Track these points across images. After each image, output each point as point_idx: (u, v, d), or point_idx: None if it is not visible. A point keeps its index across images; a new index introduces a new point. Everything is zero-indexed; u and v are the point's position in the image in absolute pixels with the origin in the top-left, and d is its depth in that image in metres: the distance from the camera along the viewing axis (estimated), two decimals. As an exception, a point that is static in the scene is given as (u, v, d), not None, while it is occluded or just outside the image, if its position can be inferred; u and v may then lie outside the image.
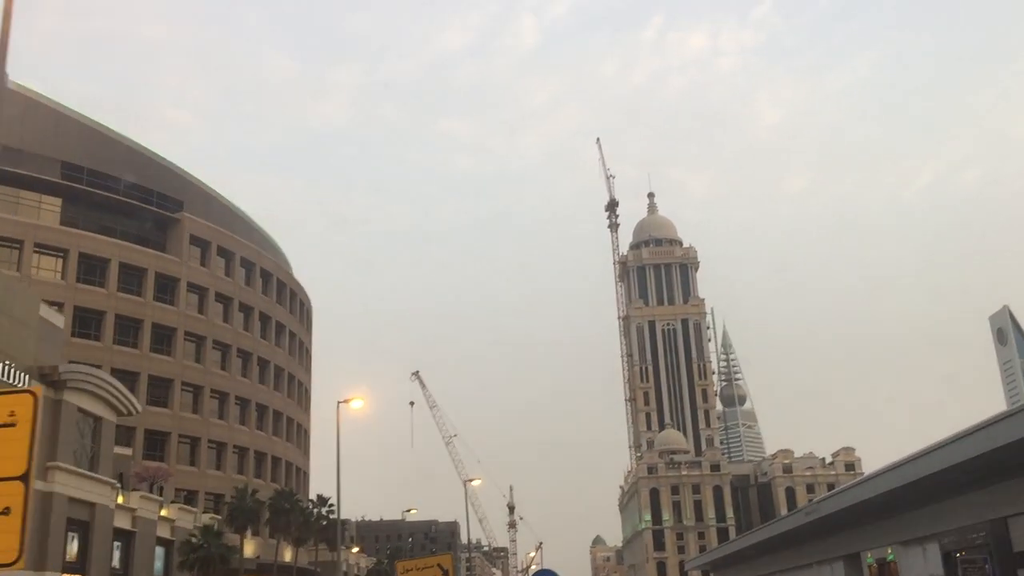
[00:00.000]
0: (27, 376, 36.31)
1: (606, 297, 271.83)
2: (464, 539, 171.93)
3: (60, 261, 64.02)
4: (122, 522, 47.30)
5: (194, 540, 48.47)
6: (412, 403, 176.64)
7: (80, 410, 41.39)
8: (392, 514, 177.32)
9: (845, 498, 46.56)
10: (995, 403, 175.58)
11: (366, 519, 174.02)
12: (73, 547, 40.70)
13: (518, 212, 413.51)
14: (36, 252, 62.62)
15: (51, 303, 60.85)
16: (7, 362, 35.13)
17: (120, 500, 47.73)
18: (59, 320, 41.71)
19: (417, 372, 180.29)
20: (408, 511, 61.73)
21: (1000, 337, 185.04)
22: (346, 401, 34.06)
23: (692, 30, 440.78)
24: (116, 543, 46.61)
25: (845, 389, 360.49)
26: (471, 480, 54.61)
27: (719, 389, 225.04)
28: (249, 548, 69.78)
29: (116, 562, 46.48)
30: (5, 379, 34.98)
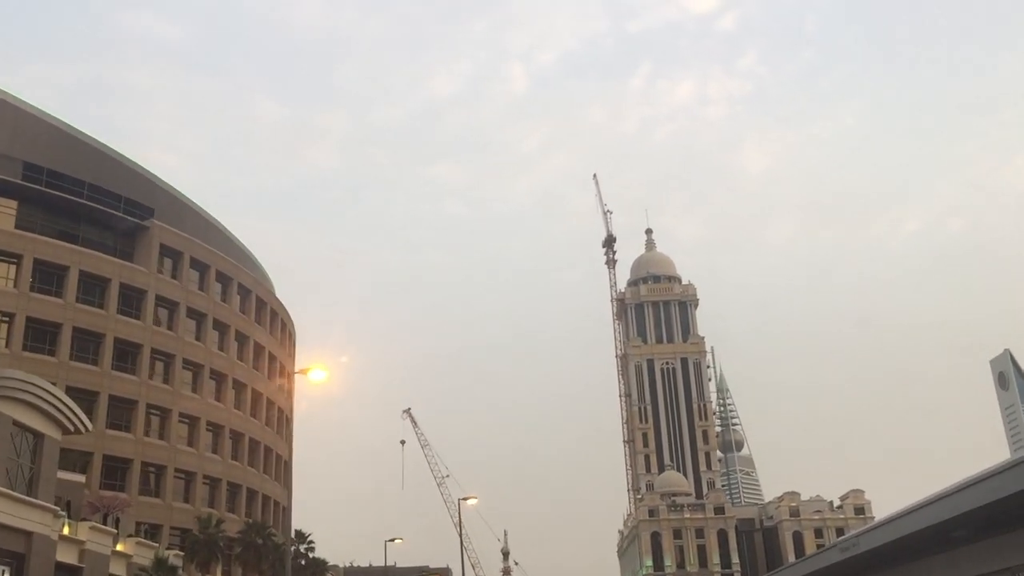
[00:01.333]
0: (-52, 380, 31.44)
1: (603, 337, 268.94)
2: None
3: (12, 268, 59.25)
4: (67, 556, 42.11)
5: (144, 576, 43.16)
6: (403, 442, 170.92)
7: (16, 423, 36.65)
8: (383, 559, 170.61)
9: (889, 531, 41.73)
10: (997, 442, 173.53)
11: (355, 564, 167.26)
12: (2, 583, 35.45)
13: (509, 256, 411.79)
14: (-14, 257, 57.75)
15: (2, 313, 56.46)
16: (-76, 362, 30.25)
17: (66, 531, 42.53)
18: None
19: (408, 409, 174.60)
20: (392, 540, 57.07)
21: (1001, 381, 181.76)
22: (303, 371, 29.05)
23: (680, 79, 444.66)
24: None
25: (842, 435, 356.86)
26: (466, 498, 49.47)
27: (717, 433, 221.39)
28: (218, 590, 64.18)
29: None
30: (-79, 382, 30.09)
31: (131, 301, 66.46)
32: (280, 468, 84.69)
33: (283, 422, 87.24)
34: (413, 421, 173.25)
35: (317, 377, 28.48)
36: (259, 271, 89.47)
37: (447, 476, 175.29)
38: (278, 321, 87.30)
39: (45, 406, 38.60)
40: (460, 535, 47.53)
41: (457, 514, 48.56)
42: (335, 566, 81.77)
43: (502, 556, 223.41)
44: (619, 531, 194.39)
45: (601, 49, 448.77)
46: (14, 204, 62.12)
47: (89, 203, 66.20)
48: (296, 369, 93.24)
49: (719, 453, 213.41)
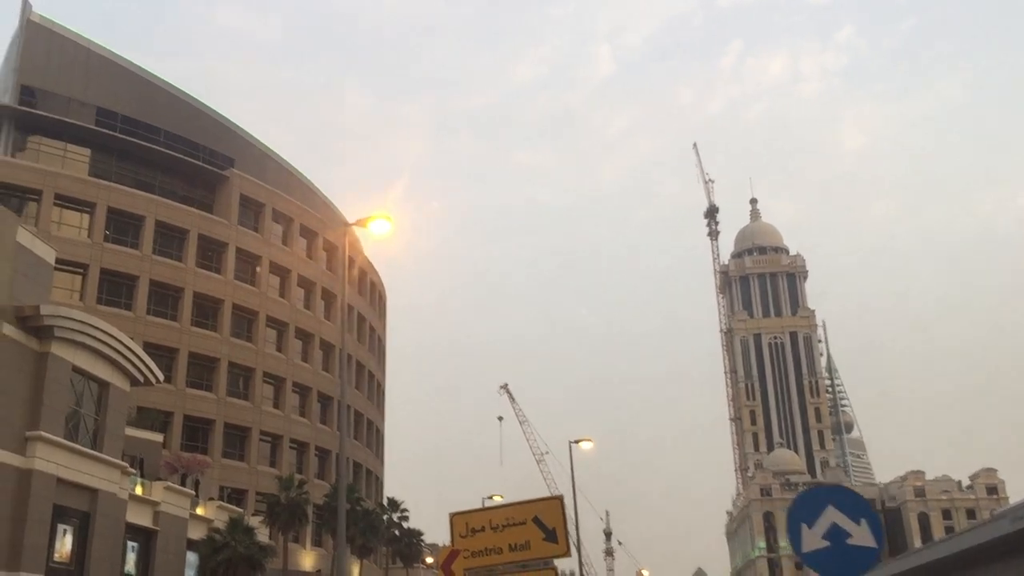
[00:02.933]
0: (-5, 317, 28.38)
1: (702, 314, 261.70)
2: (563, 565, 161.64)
3: (86, 217, 57.21)
4: (139, 517, 39.32)
5: (218, 537, 39.99)
6: (501, 418, 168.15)
7: (76, 369, 33.50)
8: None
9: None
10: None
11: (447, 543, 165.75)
12: (65, 543, 32.69)
13: (598, 241, 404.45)
14: (57, 205, 55.97)
15: (75, 264, 54.42)
16: (-33, 294, 27.18)
17: (138, 490, 39.72)
18: (46, 252, 33.80)
19: (506, 385, 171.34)
20: (490, 497, 53.23)
21: None
22: (361, 223, 24.05)
23: (772, 56, 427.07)
24: (131, 543, 38.58)
25: (958, 418, 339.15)
26: (579, 440, 44.68)
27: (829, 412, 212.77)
28: (308, 560, 61.49)
29: (131, 566, 38.42)
30: (-35, 317, 27.04)
31: (210, 254, 64.16)
32: (372, 435, 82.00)
33: (375, 387, 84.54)
34: (511, 397, 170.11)
35: (380, 230, 23.69)
36: (346, 225, 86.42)
37: (546, 453, 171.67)
38: (367, 281, 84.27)
39: (111, 353, 35.52)
40: (572, 482, 43.16)
41: (569, 465, 44.01)
42: (434, 544, 78.29)
43: (604, 536, 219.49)
44: (727, 512, 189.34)
45: (689, 28, 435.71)
46: (87, 151, 60.30)
47: (166, 151, 64.02)
48: (384, 332, 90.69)
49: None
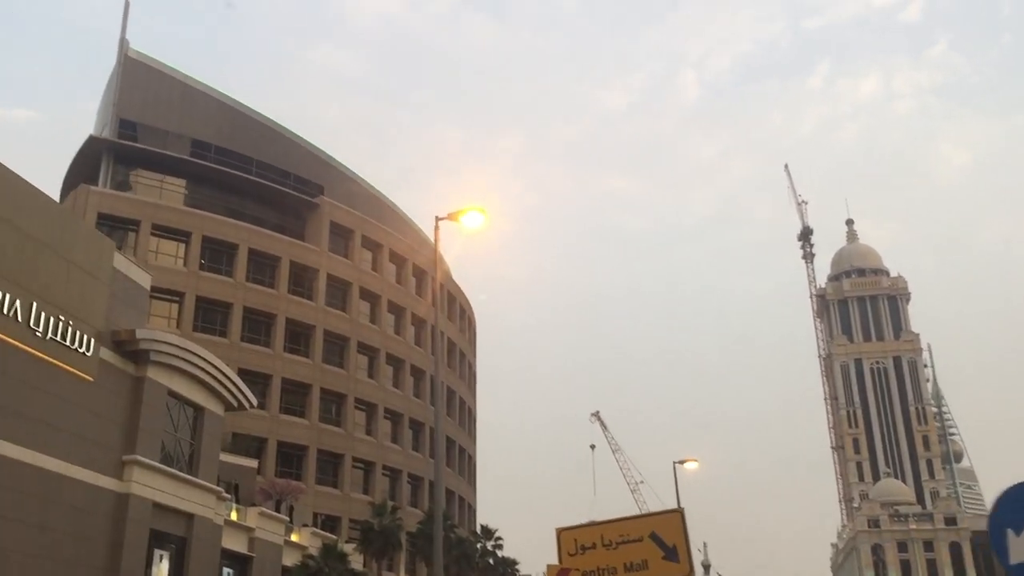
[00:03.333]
0: (92, 341, 28.61)
1: (801, 341, 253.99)
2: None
3: (182, 246, 58.49)
4: (235, 543, 39.33)
5: (312, 564, 39.63)
6: (593, 446, 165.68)
7: (171, 394, 33.62)
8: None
9: None
10: None
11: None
12: (162, 568, 32.68)
13: (690, 267, 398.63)
14: (155, 235, 57.39)
15: (172, 292, 55.51)
16: (67, 319, 27.48)
17: (233, 516, 39.75)
18: (142, 277, 34.21)
19: (597, 413, 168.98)
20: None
21: None
22: (453, 216, 22.81)
23: (862, 75, 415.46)
24: (227, 570, 38.52)
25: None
26: (683, 461, 42.84)
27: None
28: (401, 588, 60.90)
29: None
30: (64, 341, 27.37)
31: (302, 281, 64.91)
32: (464, 462, 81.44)
33: (466, 414, 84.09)
34: (603, 424, 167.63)
35: (473, 223, 22.60)
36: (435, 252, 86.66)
37: (641, 482, 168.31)
38: (456, 306, 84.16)
39: (205, 377, 35.70)
40: (679, 505, 41.06)
41: (675, 489, 42.23)
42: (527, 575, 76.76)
43: (703, 569, 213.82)
44: (832, 544, 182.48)
45: (777, 50, 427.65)
46: (182, 182, 61.81)
47: (257, 180, 65.24)
48: (474, 359, 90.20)
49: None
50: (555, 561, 11.38)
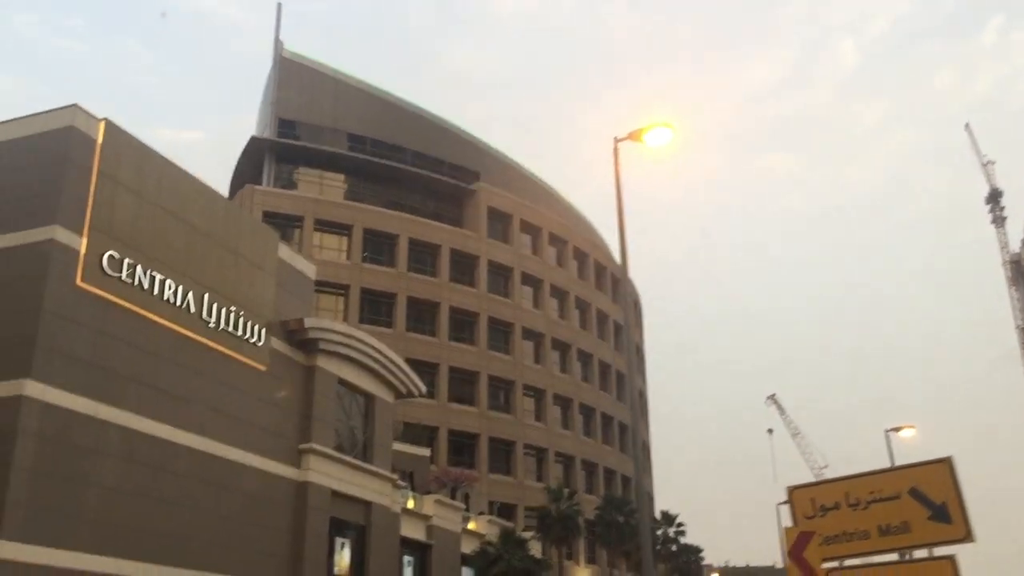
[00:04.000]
0: (263, 331, 29.13)
1: (989, 313, 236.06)
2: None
3: (344, 239, 59.93)
4: (413, 531, 39.47)
5: (491, 550, 39.31)
6: (770, 431, 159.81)
7: (342, 382, 33.93)
8: (760, 560, 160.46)
9: None
10: None
11: (730, 564, 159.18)
12: (343, 556, 33.02)
13: (853, 245, 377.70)
14: (317, 230, 59.02)
15: (337, 285, 56.86)
16: (237, 310, 28.06)
17: (410, 504, 39.93)
18: (307, 267, 34.73)
19: (773, 395, 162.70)
20: (785, 502, 49.32)
21: None
22: (635, 135, 20.91)
23: None
24: (406, 557, 38.73)
25: None
26: (898, 428, 39.21)
27: None
28: (582, 576, 60.24)
29: (408, 581, 38.52)
30: (236, 332, 28.00)
31: (463, 268, 65.30)
32: (638, 447, 79.96)
33: (636, 398, 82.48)
34: (780, 408, 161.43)
35: (658, 140, 20.63)
36: (595, 235, 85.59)
37: (825, 467, 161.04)
38: (620, 287, 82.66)
39: (374, 365, 35.94)
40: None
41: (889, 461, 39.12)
42: (709, 565, 74.68)
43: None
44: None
45: (938, 9, 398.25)
46: (342, 176, 63.35)
47: (414, 169, 66.11)
48: (642, 341, 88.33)
49: None
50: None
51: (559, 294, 72.07)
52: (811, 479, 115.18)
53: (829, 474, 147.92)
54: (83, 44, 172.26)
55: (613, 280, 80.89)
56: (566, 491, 49.86)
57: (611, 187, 20.60)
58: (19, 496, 19.85)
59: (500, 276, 67.64)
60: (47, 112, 23.65)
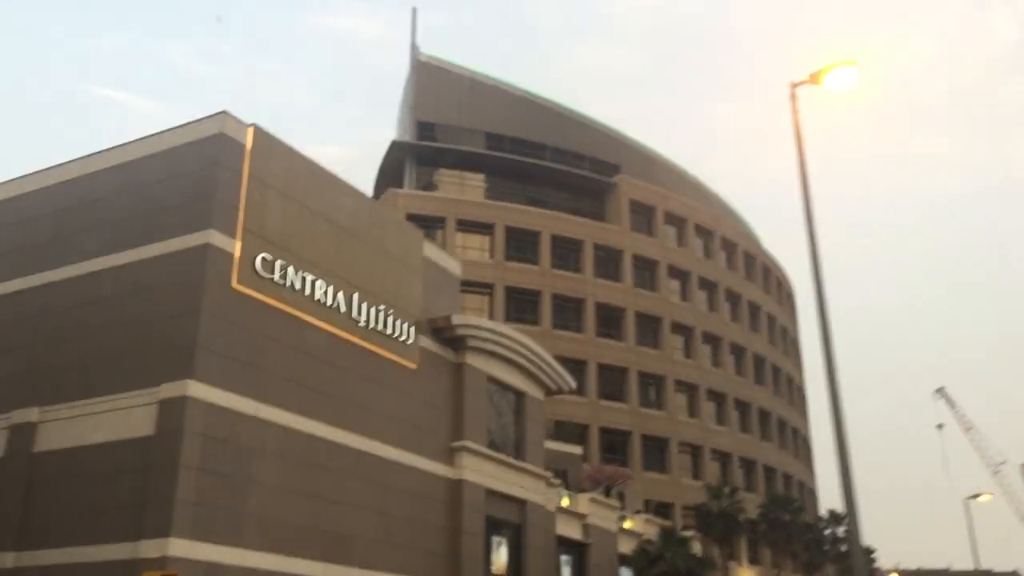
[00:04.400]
0: (412, 329, 29.38)
1: None
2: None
3: (486, 239, 60.40)
4: (569, 530, 39.01)
5: (651, 550, 38.38)
6: (940, 425, 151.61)
7: (491, 380, 33.84)
8: (932, 562, 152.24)
9: None
10: None
11: (900, 567, 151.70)
12: (500, 555, 32.91)
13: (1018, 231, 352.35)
14: (460, 230, 59.70)
15: (481, 284, 57.28)
16: (386, 309, 28.39)
17: (564, 502, 39.50)
18: (452, 265, 34.88)
19: (942, 388, 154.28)
20: (975, 497, 46.10)
21: None
22: (812, 79, 18.94)
23: None
24: (563, 556, 38.32)
25: None
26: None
27: None
28: (745, 578, 58.45)
29: (566, 581, 38.09)
30: (386, 331, 28.34)
31: (607, 263, 64.77)
32: (798, 443, 77.26)
33: (794, 391, 79.82)
34: (949, 402, 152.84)
35: (840, 82, 18.82)
36: (742, 223, 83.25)
37: (1003, 463, 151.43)
38: (772, 278, 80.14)
39: (522, 361, 35.77)
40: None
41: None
42: (878, 569, 71.14)
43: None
44: None
45: None
46: (481, 176, 63.90)
47: (553, 165, 66.02)
48: (796, 332, 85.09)
49: None
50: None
51: (708, 286, 70.36)
52: (987, 476, 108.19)
53: (1010, 470, 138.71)
54: (231, 69, 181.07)
55: (764, 270, 78.44)
56: (727, 488, 48.37)
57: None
58: (187, 495, 20.49)
59: (646, 270, 66.63)
60: (197, 121, 24.48)
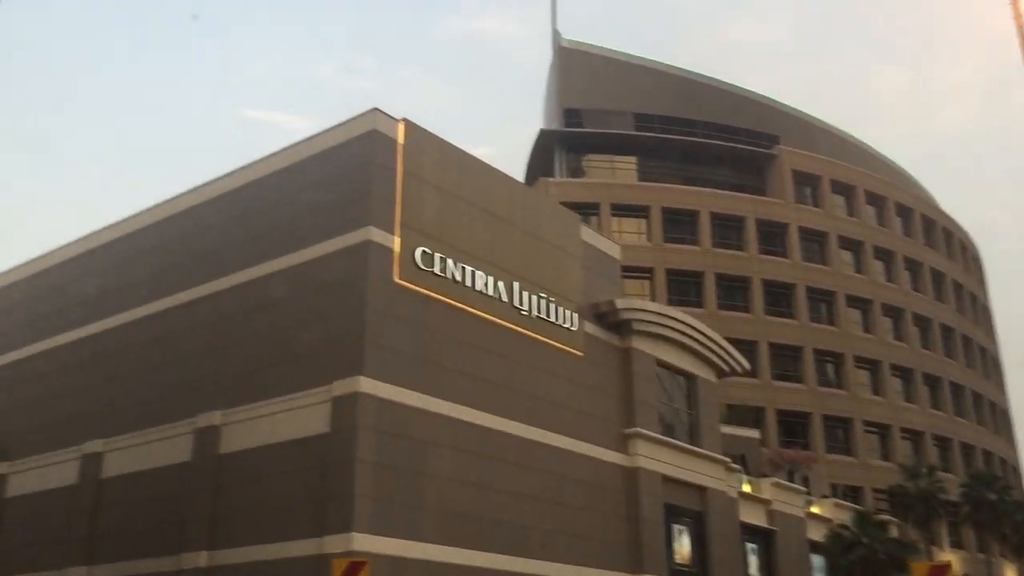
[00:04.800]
0: (575, 316, 29.13)
1: None
2: None
3: (642, 222, 59.57)
4: (753, 516, 37.78)
5: (847, 535, 36.57)
6: None
7: (660, 363, 33.13)
8: None
9: None
10: None
11: None
12: (682, 543, 32.17)
13: None
14: (614, 215, 59.09)
15: (640, 269, 56.54)
16: (547, 296, 28.24)
17: (746, 488, 38.29)
18: (611, 248, 34.29)
19: None
20: None
21: None
22: None
23: None
24: (749, 544, 37.14)
25: None
26: None
27: None
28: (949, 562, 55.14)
29: (754, 569, 36.93)
30: (549, 318, 28.20)
31: (771, 238, 62.77)
32: (997, 418, 72.53)
33: (988, 361, 74.96)
34: None
35: None
36: (918, 188, 78.82)
37: None
38: (955, 242, 75.45)
39: (691, 343, 34.85)
40: None
41: None
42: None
43: None
44: None
45: None
46: (632, 159, 63.20)
47: (707, 141, 64.55)
48: (986, 299, 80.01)
49: None
50: None
51: (884, 255, 66.90)
52: None
53: None
54: (373, 81, 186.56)
55: (945, 234, 73.95)
56: (924, 468, 45.69)
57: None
58: (366, 490, 20.84)
59: (814, 242, 64.03)
60: (349, 120, 24.93)
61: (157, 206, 29.17)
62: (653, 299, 56.55)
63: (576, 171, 63.84)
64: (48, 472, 28.25)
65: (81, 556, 25.82)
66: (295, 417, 22.38)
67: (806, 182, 65.90)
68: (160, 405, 25.80)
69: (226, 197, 27.10)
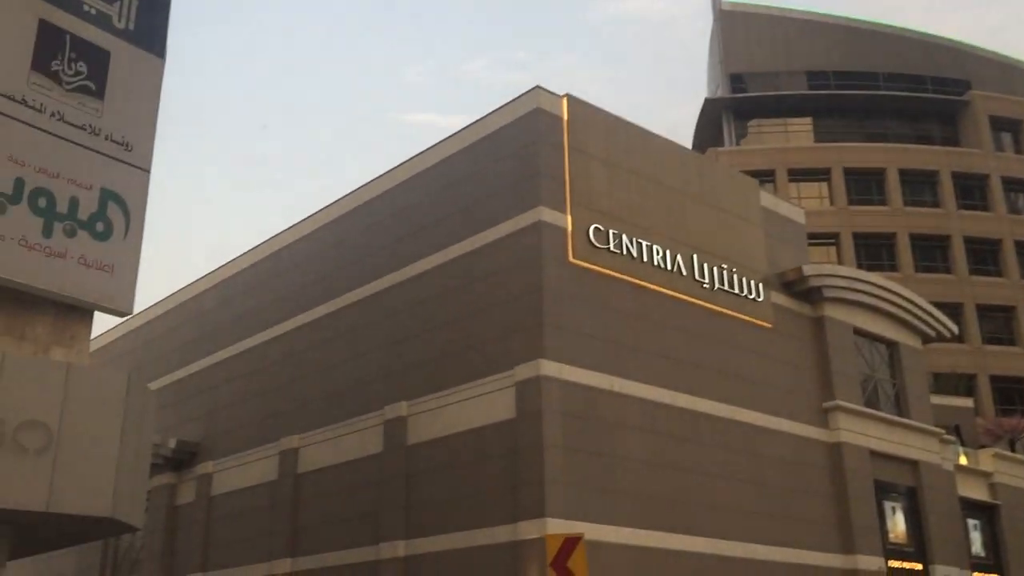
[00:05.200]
0: (760, 286, 28.04)
1: None
2: None
3: (823, 185, 56.99)
4: (972, 491, 35.44)
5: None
6: None
7: (857, 331, 31.46)
8: None
9: None
10: None
11: None
12: (896, 521, 30.49)
13: None
14: (792, 180, 56.84)
15: (825, 235, 54.16)
16: (729, 267, 27.31)
17: (962, 460, 35.93)
18: (794, 212, 32.72)
19: None
20: None
21: None
22: None
23: None
24: (970, 520, 34.86)
25: None
26: None
27: None
28: None
29: (977, 546, 34.65)
30: (733, 290, 27.27)
31: (970, 191, 59.04)
32: None
33: None
34: None
35: None
36: None
37: None
38: None
39: (890, 308, 32.84)
40: None
41: None
42: None
43: None
44: None
45: None
46: (807, 120, 60.62)
47: (889, 93, 61.25)
48: None
49: None
50: None
51: (1102, 200, 61.57)
52: None
53: None
54: (529, 73, 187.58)
55: None
56: None
57: None
58: (556, 474, 20.61)
59: (1020, 192, 59.67)
60: (512, 101, 24.76)
61: (330, 206, 30.07)
62: (841, 263, 54.37)
63: (747, 137, 61.95)
64: (249, 469, 29.63)
65: (286, 548, 26.89)
66: (479, 404, 22.43)
67: (1006, 128, 61.70)
68: (348, 399, 26.54)
69: (394, 191, 27.55)
